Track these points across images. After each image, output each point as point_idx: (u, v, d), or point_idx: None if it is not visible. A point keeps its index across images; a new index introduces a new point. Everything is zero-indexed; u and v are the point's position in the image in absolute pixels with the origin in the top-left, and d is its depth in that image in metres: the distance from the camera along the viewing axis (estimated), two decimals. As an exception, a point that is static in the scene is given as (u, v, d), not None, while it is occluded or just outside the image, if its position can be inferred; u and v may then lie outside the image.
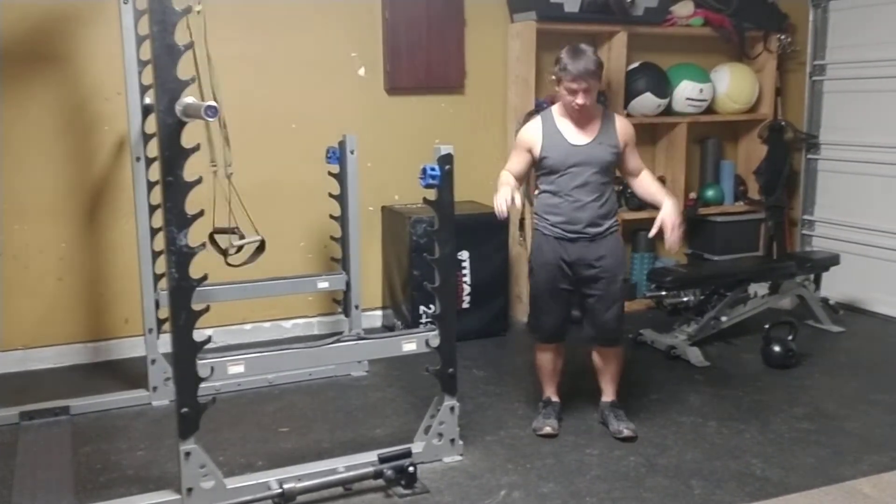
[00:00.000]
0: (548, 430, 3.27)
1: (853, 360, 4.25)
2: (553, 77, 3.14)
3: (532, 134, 3.20)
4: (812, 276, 4.75)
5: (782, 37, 5.32)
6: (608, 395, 3.39)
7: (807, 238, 5.58)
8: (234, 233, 3.24)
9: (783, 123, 5.34)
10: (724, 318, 4.40)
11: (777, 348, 4.09)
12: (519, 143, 3.25)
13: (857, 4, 5.14)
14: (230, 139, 3.13)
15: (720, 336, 4.42)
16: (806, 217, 5.57)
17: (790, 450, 3.17)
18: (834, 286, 4.94)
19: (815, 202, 5.54)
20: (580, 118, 3.13)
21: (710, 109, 5.20)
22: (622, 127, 3.20)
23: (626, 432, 3.22)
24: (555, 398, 3.44)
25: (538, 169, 3.24)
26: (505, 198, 2.99)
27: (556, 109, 3.21)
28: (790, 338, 4.12)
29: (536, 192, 3.32)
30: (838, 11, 5.28)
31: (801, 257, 5.00)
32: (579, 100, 3.03)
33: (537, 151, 3.17)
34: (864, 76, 5.10)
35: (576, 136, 3.14)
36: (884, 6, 4.96)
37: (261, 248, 3.32)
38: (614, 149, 3.16)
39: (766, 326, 4.16)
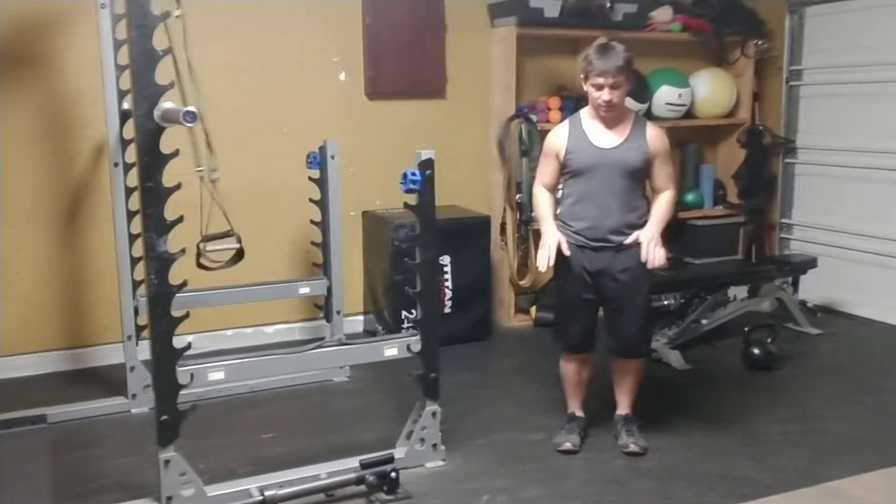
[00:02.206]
0: (568, 445, 3.16)
1: (832, 362, 4.29)
2: (581, 75, 3.03)
3: (558, 138, 3.10)
4: (790, 279, 4.80)
5: (760, 42, 5.37)
6: (623, 408, 3.29)
7: (785, 241, 5.63)
8: (229, 236, 3.10)
9: (761, 128, 5.40)
10: (704, 322, 4.43)
11: (757, 351, 4.12)
12: (546, 150, 3.15)
13: (832, 11, 5.21)
14: (213, 144, 3.06)
15: (701, 339, 4.44)
16: (784, 220, 5.62)
17: (773, 451, 3.19)
18: (812, 289, 4.99)
19: (792, 206, 5.59)
20: (608, 119, 3.02)
21: (689, 114, 5.24)
22: (654, 135, 3.06)
23: (633, 447, 3.13)
24: (579, 413, 3.32)
25: (563, 171, 3.12)
26: (549, 255, 3.00)
27: (584, 112, 3.11)
28: (770, 340, 4.15)
29: (560, 194, 3.20)
30: (814, 17, 5.35)
31: (779, 260, 5.05)
32: (605, 96, 2.92)
33: (562, 156, 3.07)
34: (840, 81, 5.17)
35: (603, 139, 3.03)
36: (858, 12, 5.03)
37: (238, 255, 3.14)
38: (643, 155, 3.02)
39: (746, 329, 4.19)
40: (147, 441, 3.06)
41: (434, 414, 3.04)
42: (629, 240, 3.04)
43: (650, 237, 3.02)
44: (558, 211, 3.20)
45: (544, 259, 3.03)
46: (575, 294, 3.13)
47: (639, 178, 3.09)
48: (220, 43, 4.24)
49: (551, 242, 3.03)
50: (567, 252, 3.03)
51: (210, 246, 3.04)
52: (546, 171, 3.17)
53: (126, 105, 3.35)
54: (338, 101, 4.58)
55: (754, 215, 5.40)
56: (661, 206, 3.12)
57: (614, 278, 3.08)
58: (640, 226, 3.08)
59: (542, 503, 2.80)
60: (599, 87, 2.94)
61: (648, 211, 3.13)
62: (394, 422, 3.39)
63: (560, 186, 3.20)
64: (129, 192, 3.45)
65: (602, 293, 3.12)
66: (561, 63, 5.02)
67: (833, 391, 3.84)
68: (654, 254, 3.00)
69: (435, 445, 3.07)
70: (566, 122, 3.16)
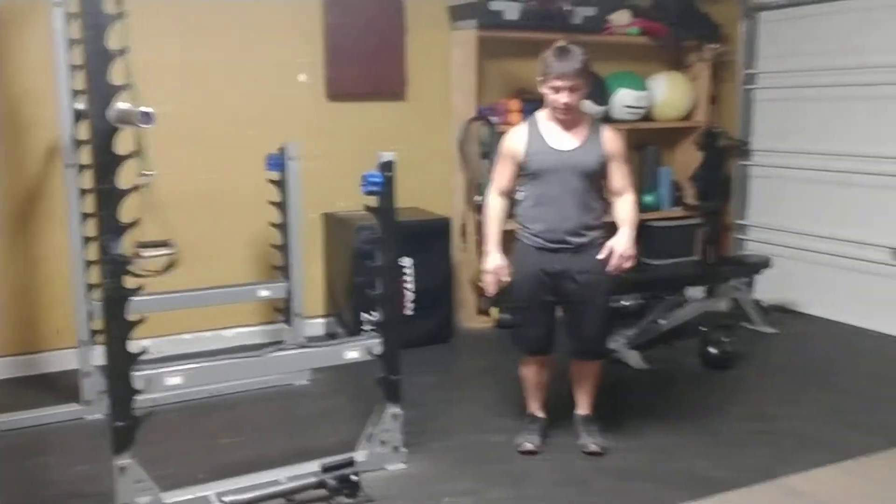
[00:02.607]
0: (528, 446, 3.18)
1: (787, 361, 4.38)
2: (539, 78, 3.03)
3: (516, 140, 3.10)
4: (746, 279, 4.88)
5: (716, 46, 5.46)
6: (582, 409, 3.32)
7: (741, 242, 5.73)
8: (165, 245, 3.14)
9: (717, 130, 5.47)
10: (662, 322, 4.48)
11: (714, 350, 4.19)
12: (504, 153, 3.15)
13: (786, 17, 5.32)
14: (146, 147, 3.01)
15: (660, 339, 4.49)
16: (740, 222, 5.72)
17: (729, 449, 3.25)
18: (767, 288, 5.08)
19: (748, 207, 5.69)
20: (566, 122, 3.03)
21: (647, 117, 5.30)
22: (610, 138, 3.08)
23: (593, 447, 3.16)
24: (540, 414, 3.33)
25: (521, 174, 3.12)
26: (491, 283, 3.10)
27: (541, 114, 3.11)
28: (726, 340, 4.22)
29: (519, 196, 3.21)
30: (768, 22, 5.45)
31: (735, 261, 5.14)
32: (563, 98, 2.93)
33: (521, 157, 3.07)
34: (793, 85, 5.28)
35: (560, 141, 3.04)
36: (811, 17, 5.14)
37: (173, 262, 3.19)
38: (600, 157, 3.04)
39: (703, 329, 4.25)
40: (102, 448, 3.00)
41: (395, 416, 3.04)
42: (602, 254, 3.03)
43: (624, 247, 3.02)
44: (517, 213, 3.21)
45: (490, 287, 3.14)
46: (533, 297, 3.14)
47: (595, 179, 3.10)
48: (178, 44, 4.19)
49: (489, 269, 3.11)
50: (506, 279, 3.10)
51: (144, 253, 3.02)
52: (503, 175, 3.17)
53: (80, 105, 3.29)
54: (298, 103, 4.54)
55: (711, 217, 5.47)
56: (630, 211, 3.11)
57: (573, 279, 3.09)
58: (597, 227, 3.10)
59: (503, 504, 2.81)
60: (557, 90, 2.96)
61: (605, 212, 3.15)
62: (355, 425, 3.36)
63: (518, 189, 3.21)
64: (83, 194, 3.38)
65: (561, 295, 3.14)
66: (521, 66, 5.05)
67: (786, 389, 3.91)
68: (620, 265, 3.03)
69: (396, 448, 3.06)
70: (524, 125, 3.16)
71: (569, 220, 3.05)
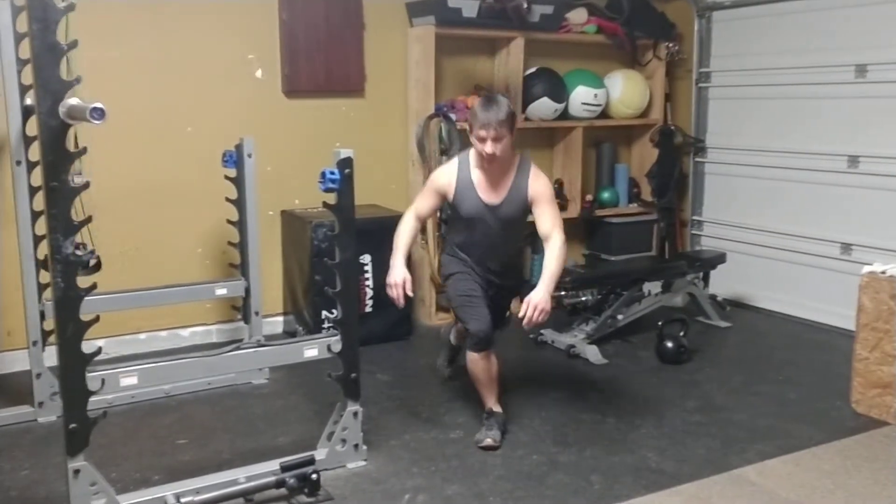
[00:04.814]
0: (488, 442, 3.21)
1: (740, 354, 4.47)
2: (467, 126, 3.17)
3: (446, 180, 3.24)
4: (701, 275, 4.97)
5: (670, 45, 5.54)
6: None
7: (696, 238, 5.83)
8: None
9: (673, 128, 5.57)
10: (620, 317, 4.54)
11: (670, 344, 4.25)
12: (431, 185, 3.29)
13: (739, 16, 5.42)
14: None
15: (617, 334, 4.56)
16: (695, 218, 5.81)
17: (683, 442, 3.30)
18: (721, 283, 5.18)
19: (703, 203, 5.79)
20: (492, 169, 3.15)
21: (604, 114, 5.36)
22: (535, 183, 3.18)
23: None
24: (497, 409, 3.36)
25: (450, 208, 3.32)
26: (398, 295, 3.14)
27: (472, 157, 3.22)
28: (682, 334, 4.29)
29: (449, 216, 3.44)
30: (721, 22, 5.54)
31: (690, 256, 5.23)
32: (488, 148, 3.04)
33: (450, 198, 3.25)
34: (746, 83, 5.37)
35: (488, 194, 3.19)
36: (762, 18, 5.24)
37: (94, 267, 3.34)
38: (524, 204, 3.20)
39: (660, 324, 4.32)
40: (54, 451, 2.96)
41: (355, 414, 3.03)
42: (521, 310, 2.98)
43: (540, 301, 2.97)
44: (446, 229, 3.42)
45: (397, 299, 3.18)
46: (469, 285, 3.30)
47: (520, 221, 3.31)
48: (131, 39, 4.12)
49: (397, 281, 3.16)
50: (410, 293, 3.18)
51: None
52: (424, 202, 3.32)
53: (29, 101, 3.21)
54: (255, 99, 4.50)
55: (667, 213, 5.58)
56: (553, 264, 3.07)
57: (499, 287, 3.39)
58: (521, 249, 3.33)
59: (461, 501, 2.82)
60: (482, 140, 3.06)
61: (529, 236, 3.38)
62: (314, 423, 3.36)
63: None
64: (33, 191, 3.31)
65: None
66: (479, 63, 5.07)
67: (738, 382, 3.99)
68: (535, 319, 2.98)
69: (356, 446, 3.06)
70: (454, 165, 3.28)
71: (494, 258, 3.33)
